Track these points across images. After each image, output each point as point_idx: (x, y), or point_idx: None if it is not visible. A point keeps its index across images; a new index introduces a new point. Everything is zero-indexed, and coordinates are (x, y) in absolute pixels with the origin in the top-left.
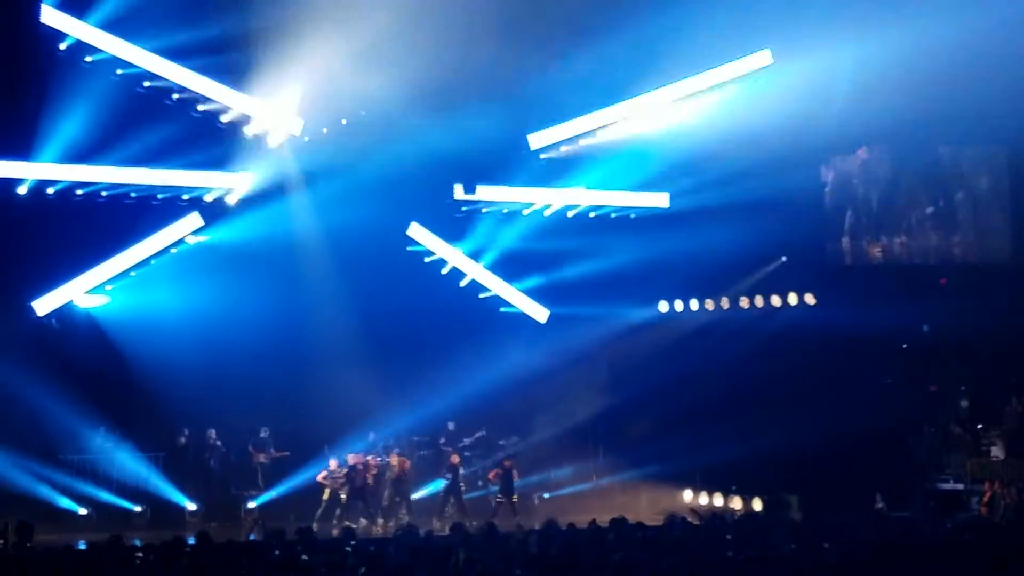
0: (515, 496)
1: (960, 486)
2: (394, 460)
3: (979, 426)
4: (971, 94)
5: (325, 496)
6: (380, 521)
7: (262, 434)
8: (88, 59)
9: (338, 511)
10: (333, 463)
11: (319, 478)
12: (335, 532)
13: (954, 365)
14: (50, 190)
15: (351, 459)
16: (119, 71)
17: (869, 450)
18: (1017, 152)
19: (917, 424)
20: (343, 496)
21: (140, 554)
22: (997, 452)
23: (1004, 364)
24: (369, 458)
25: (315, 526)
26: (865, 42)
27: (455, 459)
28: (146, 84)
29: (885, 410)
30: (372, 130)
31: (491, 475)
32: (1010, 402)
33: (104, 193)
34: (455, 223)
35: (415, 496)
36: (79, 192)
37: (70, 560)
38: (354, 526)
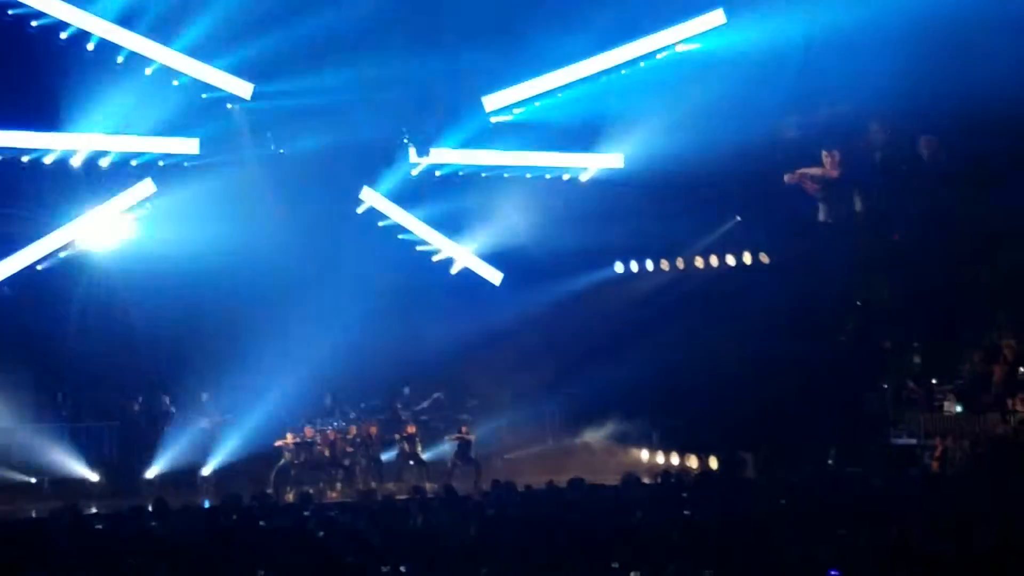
0: (478, 463)
1: (913, 441)
2: (353, 431)
3: (932, 381)
4: (924, 58)
5: (281, 462)
6: (339, 486)
7: (203, 398)
8: (33, 23)
9: (293, 473)
10: (290, 437)
11: (277, 443)
12: (291, 498)
13: (908, 321)
14: None
15: (309, 432)
16: (63, 34)
17: (823, 407)
18: (968, 111)
19: (871, 381)
20: (300, 462)
21: (98, 525)
22: (950, 407)
23: (957, 320)
24: (329, 431)
25: (271, 491)
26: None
27: (410, 429)
28: (90, 47)
29: (839, 367)
30: (325, 91)
31: (452, 438)
32: (969, 358)
33: (48, 160)
34: (408, 185)
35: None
36: (24, 159)
37: (26, 530)
38: (311, 491)
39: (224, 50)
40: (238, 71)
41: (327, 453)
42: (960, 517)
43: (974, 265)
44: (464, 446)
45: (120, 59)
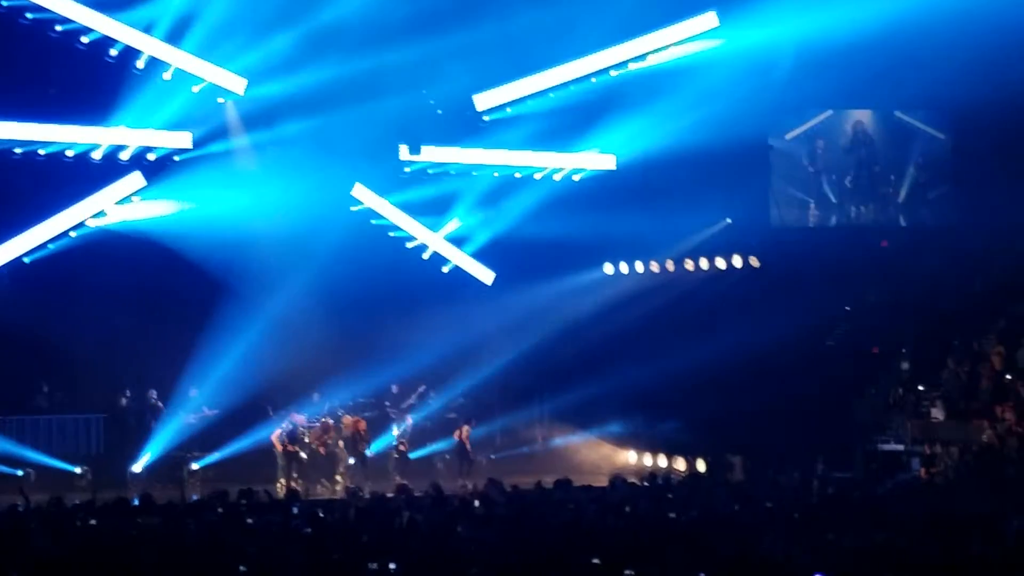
0: (471, 460)
1: (901, 447)
2: (348, 420)
3: (920, 388)
4: (914, 58)
5: (281, 461)
6: (339, 479)
7: (191, 394)
8: (28, 16)
9: (295, 473)
10: (279, 431)
11: (272, 437)
12: (280, 493)
13: (896, 327)
14: None
15: (305, 432)
16: (58, 27)
17: (812, 412)
18: (959, 115)
19: (859, 386)
20: (301, 457)
21: (85, 516)
22: (937, 413)
23: (945, 326)
24: (323, 421)
25: (277, 487)
26: (811, 5)
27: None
28: (84, 40)
29: (828, 372)
30: (317, 89)
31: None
32: (946, 364)
33: (42, 152)
34: (400, 184)
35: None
36: (17, 151)
37: (10, 522)
38: (298, 488)
39: (218, 45)
40: (231, 66)
41: (322, 449)
42: (947, 523)
43: (963, 272)
44: (462, 445)
45: (114, 52)
